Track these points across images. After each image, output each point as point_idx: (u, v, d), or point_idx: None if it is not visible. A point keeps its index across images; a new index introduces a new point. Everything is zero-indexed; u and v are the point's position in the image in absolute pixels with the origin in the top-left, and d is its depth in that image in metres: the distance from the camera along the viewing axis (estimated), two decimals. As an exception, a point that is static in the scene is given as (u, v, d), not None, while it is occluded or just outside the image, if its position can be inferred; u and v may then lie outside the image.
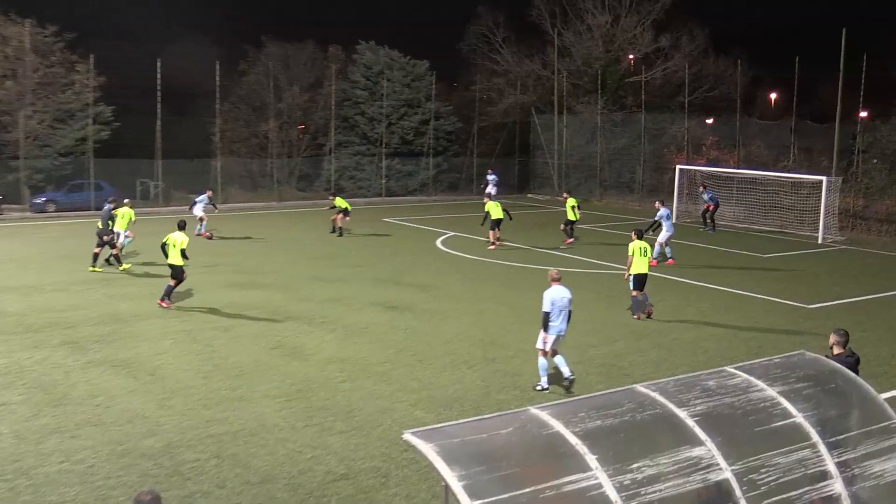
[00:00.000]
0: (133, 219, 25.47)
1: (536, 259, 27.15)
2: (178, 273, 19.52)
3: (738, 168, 40.47)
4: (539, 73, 50.91)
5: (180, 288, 20.48)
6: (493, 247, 28.96)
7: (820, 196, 33.68)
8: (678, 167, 39.64)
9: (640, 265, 19.17)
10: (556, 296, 13.87)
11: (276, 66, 45.71)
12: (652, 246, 21.67)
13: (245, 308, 19.56)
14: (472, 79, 52.09)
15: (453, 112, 50.45)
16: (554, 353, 14.11)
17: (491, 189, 44.17)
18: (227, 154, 44.61)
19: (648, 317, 19.20)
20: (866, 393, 9.14)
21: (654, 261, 25.07)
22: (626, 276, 19.61)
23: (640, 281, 19.19)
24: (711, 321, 19.24)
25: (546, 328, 13.83)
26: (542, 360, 14.01)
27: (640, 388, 8.49)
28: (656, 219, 26.91)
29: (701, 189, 35.63)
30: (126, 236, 25.20)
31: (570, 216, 30.22)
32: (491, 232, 29.41)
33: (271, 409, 12.99)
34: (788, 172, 38.40)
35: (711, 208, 34.70)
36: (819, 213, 33.61)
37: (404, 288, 22.34)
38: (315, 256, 27.11)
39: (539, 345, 13.99)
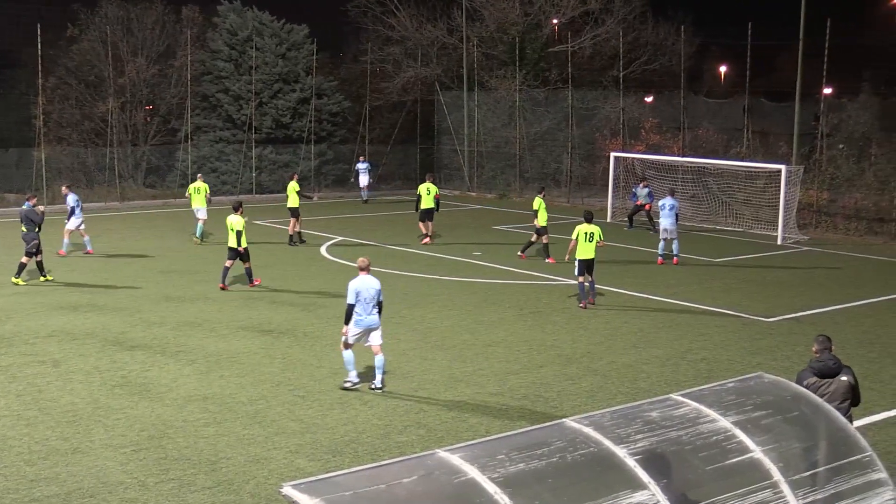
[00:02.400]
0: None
1: (444, 268, 27.30)
2: (243, 256, 23.62)
3: (683, 156, 41.47)
4: (444, 41, 51.26)
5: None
6: (427, 241, 31.20)
7: (778, 188, 34.66)
8: (613, 155, 40.39)
9: (585, 250, 22.06)
10: (361, 286, 15.49)
11: (115, 31, 44.84)
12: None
13: (78, 336, 19.13)
14: (361, 48, 52.10)
15: (339, 89, 50.35)
16: (378, 348, 15.80)
17: (364, 181, 44.46)
18: (53, 142, 43.49)
19: (591, 304, 22.15)
20: (835, 421, 9.50)
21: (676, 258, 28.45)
22: (566, 258, 22.74)
23: (587, 266, 22.16)
24: (654, 340, 19.67)
25: (348, 321, 15.50)
26: (347, 354, 15.73)
27: (570, 422, 8.63)
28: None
29: (640, 185, 36.17)
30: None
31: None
32: (422, 224, 31.38)
33: (115, 463, 12.72)
34: (741, 160, 39.50)
35: (648, 208, 35.41)
36: (778, 208, 34.58)
37: (281, 307, 22.16)
38: (168, 270, 26.68)
39: (344, 338, 15.64)
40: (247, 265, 24.14)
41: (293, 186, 31.92)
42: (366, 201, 44.47)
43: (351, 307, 15.45)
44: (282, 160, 47.63)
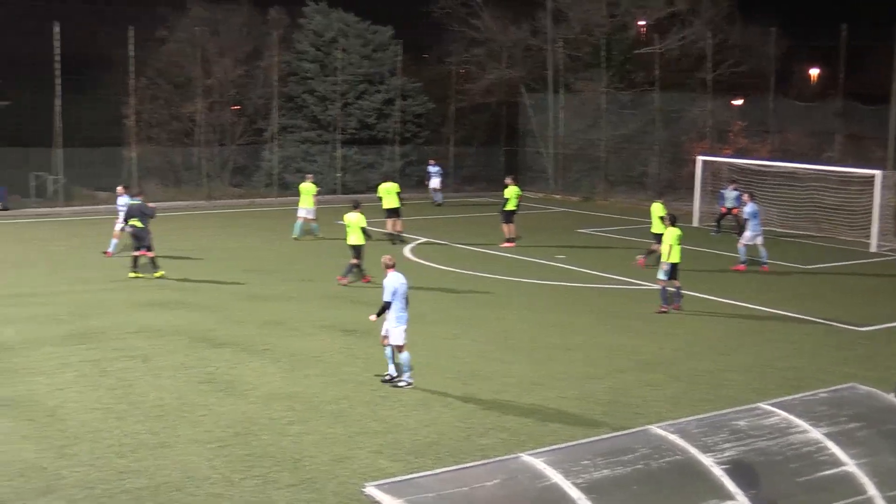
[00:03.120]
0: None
1: (525, 270, 27.25)
2: (358, 252, 24.31)
3: (772, 160, 40.83)
4: (529, 43, 51.12)
5: (84, 310, 20.38)
6: (508, 244, 31.31)
7: (872, 194, 33.99)
8: (700, 158, 39.94)
9: (677, 254, 22.09)
10: (396, 283, 16.07)
11: (203, 32, 45.61)
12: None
13: (167, 333, 19.48)
14: (446, 49, 52.23)
15: (424, 90, 50.55)
16: (388, 345, 16.29)
17: (435, 183, 44.47)
18: (143, 141, 44.36)
19: (676, 310, 22.09)
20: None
21: (742, 265, 28.10)
22: (663, 266, 22.23)
23: (676, 270, 22.11)
24: (738, 347, 19.41)
25: (396, 318, 15.94)
26: (406, 355, 16.16)
27: (655, 429, 8.57)
28: (745, 216, 28.77)
29: (730, 188, 35.59)
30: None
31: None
32: (505, 226, 31.58)
33: (201, 458, 12.94)
34: (833, 165, 38.75)
35: (736, 212, 34.87)
36: (871, 214, 33.90)
37: (364, 307, 22.20)
38: (253, 269, 27.04)
39: (400, 340, 16.05)
40: (354, 261, 24.86)
41: (393, 188, 32.23)
42: (439, 204, 44.45)
43: (388, 304, 15.97)
44: (366, 161, 47.96)
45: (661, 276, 22.25)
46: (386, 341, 16.29)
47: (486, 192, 46.94)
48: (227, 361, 17.54)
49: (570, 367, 17.58)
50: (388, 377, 16.32)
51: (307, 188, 32.95)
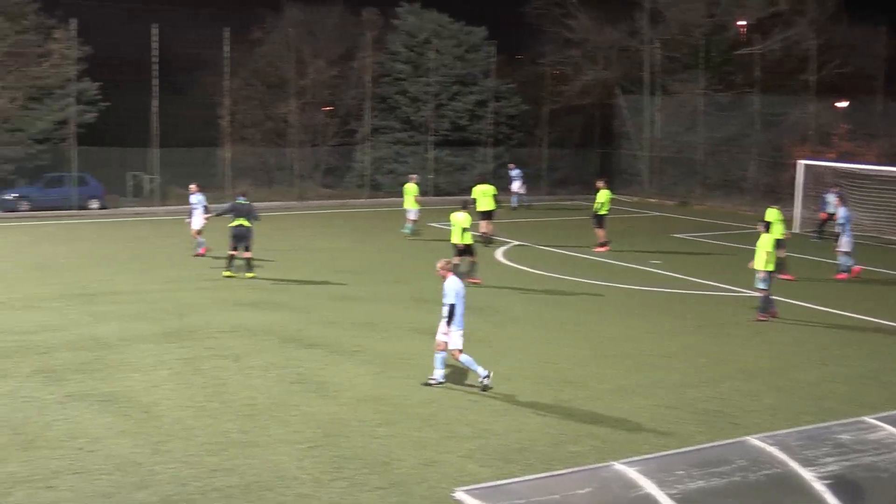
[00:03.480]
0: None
1: (618, 275, 27.02)
2: (469, 251, 24.61)
3: (880, 164, 39.88)
4: (625, 44, 50.80)
5: (178, 309, 20.78)
6: (602, 248, 31.15)
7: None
8: (801, 163, 39.23)
9: (773, 261, 21.68)
10: (459, 287, 16.02)
11: (297, 33, 46.22)
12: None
13: (258, 333, 19.76)
14: (540, 50, 52.15)
15: (517, 91, 50.53)
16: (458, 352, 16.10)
17: (517, 188, 44.25)
18: (237, 142, 45.18)
19: (774, 316, 21.58)
20: None
21: (844, 274, 27.42)
22: (753, 265, 21.74)
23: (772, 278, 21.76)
24: (840, 358, 18.96)
25: (454, 322, 15.89)
26: (466, 357, 16.07)
27: (753, 440, 8.42)
28: (839, 222, 27.78)
29: (835, 191, 34.77)
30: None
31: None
32: (599, 230, 31.37)
33: (290, 458, 13.08)
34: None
35: (836, 218, 34.05)
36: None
37: (455, 310, 22.36)
38: (344, 270, 27.28)
39: (457, 344, 16.00)
40: (472, 259, 25.31)
41: (489, 190, 32.49)
42: (515, 208, 44.17)
43: (453, 307, 15.90)
44: (458, 162, 48.12)
45: (761, 284, 21.79)
46: (442, 346, 16.20)
47: (580, 195, 46.74)
48: (317, 362, 17.70)
49: (666, 375, 17.37)
50: (431, 381, 16.30)
51: (410, 189, 34.18)
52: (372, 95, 47.21)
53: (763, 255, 21.64)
